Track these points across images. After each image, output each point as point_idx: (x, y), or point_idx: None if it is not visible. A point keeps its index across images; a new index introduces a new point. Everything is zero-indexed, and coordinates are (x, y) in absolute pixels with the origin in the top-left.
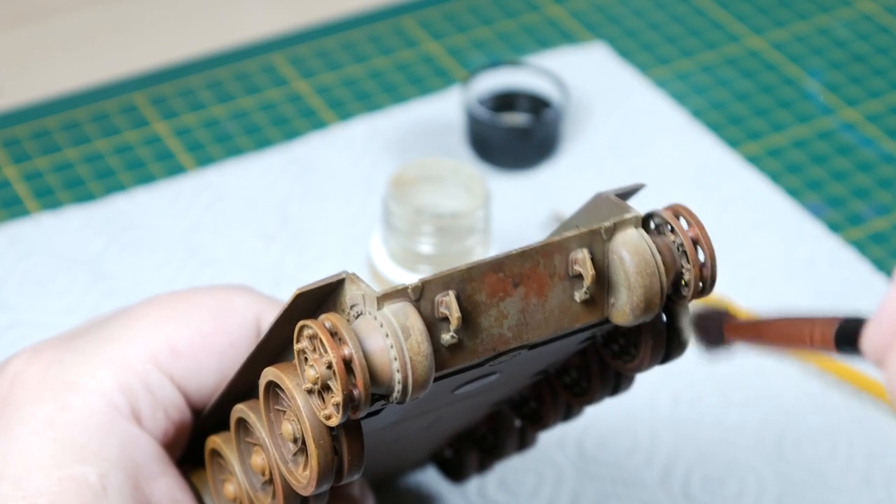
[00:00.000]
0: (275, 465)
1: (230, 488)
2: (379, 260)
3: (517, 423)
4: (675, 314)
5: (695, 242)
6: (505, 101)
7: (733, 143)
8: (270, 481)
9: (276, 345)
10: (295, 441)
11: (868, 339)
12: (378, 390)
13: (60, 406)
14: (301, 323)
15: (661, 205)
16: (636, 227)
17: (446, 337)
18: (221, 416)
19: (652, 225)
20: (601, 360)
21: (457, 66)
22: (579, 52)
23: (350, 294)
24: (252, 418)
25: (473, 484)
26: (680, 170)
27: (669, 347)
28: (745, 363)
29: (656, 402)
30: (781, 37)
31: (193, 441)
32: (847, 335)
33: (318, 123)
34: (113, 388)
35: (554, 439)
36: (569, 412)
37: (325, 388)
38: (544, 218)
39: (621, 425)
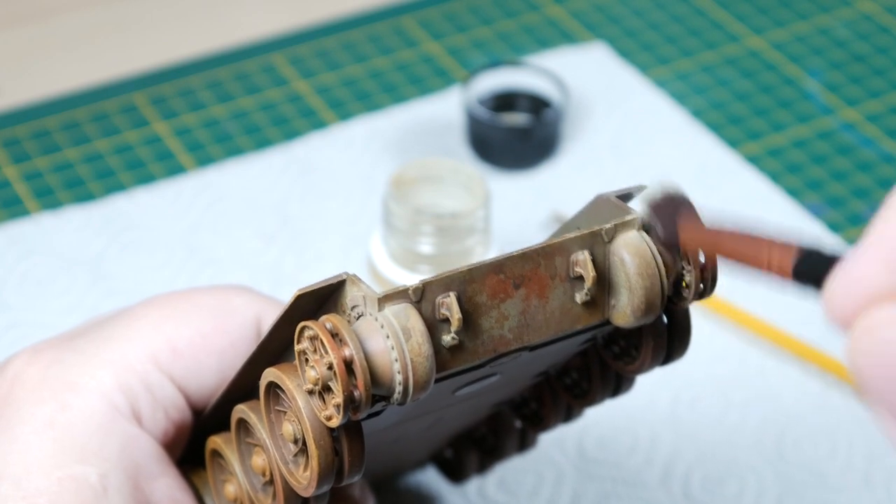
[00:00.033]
0: (275, 465)
1: (231, 489)
2: (379, 260)
3: (518, 424)
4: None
5: None
6: (505, 101)
7: (733, 143)
8: (271, 482)
9: (277, 345)
10: (295, 442)
11: (832, 296)
12: (379, 391)
13: (60, 406)
14: (302, 324)
15: None
16: (637, 228)
17: (447, 338)
18: (222, 416)
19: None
20: (602, 361)
21: (457, 66)
22: (579, 52)
23: (351, 295)
24: (253, 419)
25: (473, 484)
26: (680, 170)
27: (670, 349)
28: (745, 363)
29: (656, 403)
30: (781, 37)
31: (194, 441)
32: (808, 272)
33: (318, 123)
34: (113, 388)
35: (554, 440)
36: (569, 413)
37: (326, 389)
38: (544, 218)
39: (621, 425)
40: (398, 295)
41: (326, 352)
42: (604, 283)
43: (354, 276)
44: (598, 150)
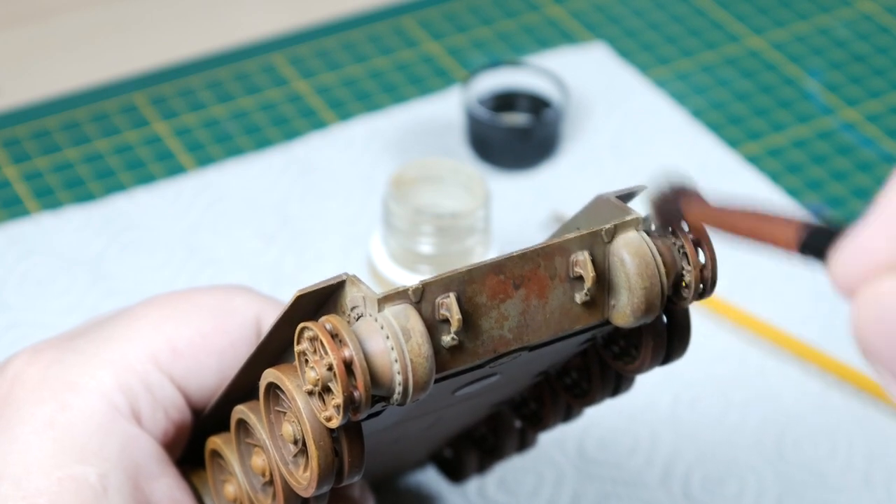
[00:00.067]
0: (275, 466)
1: (230, 489)
2: (379, 260)
3: (517, 423)
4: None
5: (696, 244)
6: (505, 101)
7: (733, 143)
8: (271, 482)
9: (277, 346)
10: (295, 442)
11: (837, 266)
12: (378, 392)
13: (60, 406)
14: (301, 325)
15: None
16: (637, 228)
17: (447, 339)
18: (222, 416)
19: (653, 227)
20: (602, 361)
21: (457, 66)
22: (579, 52)
23: (350, 296)
24: (252, 419)
25: (473, 484)
26: (680, 170)
27: (670, 349)
28: (745, 363)
29: (656, 403)
30: (781, 37)
31: (193, 441)
32: (813, 244)
33: (318, 123)
34: (113, 388)
35: (554, 440)
36: (569, 413)
37: (326, 389)
38: (544, 218)
39: (621, 425)
40: (398, 295)
41: (326, 352)
42: (603, 284)
43: (354, 276)
44: (598, 150)
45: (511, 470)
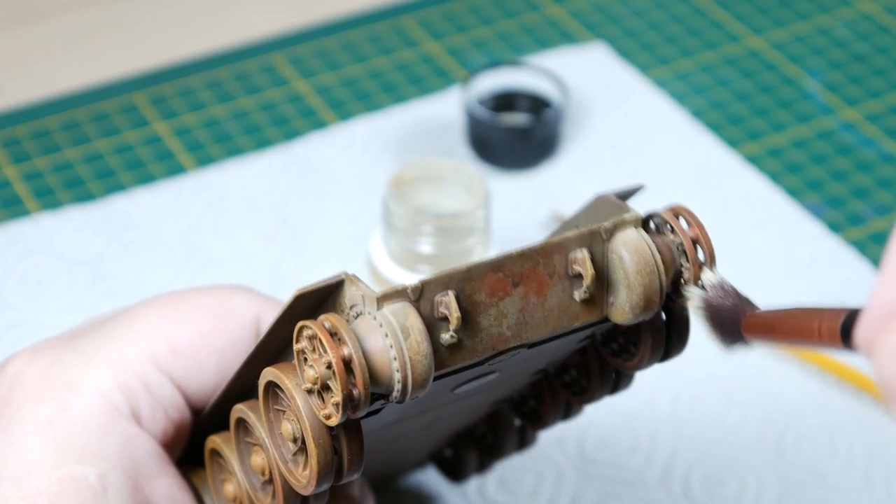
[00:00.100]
0: (274, 464)
1: (230, 488)
2: (379, 260)
3: (517, 421)
4: (677, 309)
5: (694, 242)
6: (505, 101)
7: (733, 143)
8: (270, 481)
9: (276, 345)
10: (295, 441)
11: (860, 330)
12: (378, 390)
13: (60, 406)
14: (301, 323)
15: (662, 205)
16: (636, 227)
17: (446, 336)
18: (221, 415)
19: (652, 225)
20: (601, 358)
21: (457, 66)
22: (579, 52)
23: (350, 295)
24: (252, 418)
25: (473, 484)
26: (680, 170)
27: (669, 345)
28: (745, 363)
29: (656, 402)
30: (781, 37)
31: (193, 441)
32: (849, 328)
33: (318, 123)
34: (113, 387)
35: (554, 439)
36: (568, 411)
37: (325, 387)
38: (544, 218)
39: (621, 425)
40: (397, 294)
41: (325, 351)
42: (602, 281)
43: (353, 275)
44: (598, 150)
45: (511, 469)
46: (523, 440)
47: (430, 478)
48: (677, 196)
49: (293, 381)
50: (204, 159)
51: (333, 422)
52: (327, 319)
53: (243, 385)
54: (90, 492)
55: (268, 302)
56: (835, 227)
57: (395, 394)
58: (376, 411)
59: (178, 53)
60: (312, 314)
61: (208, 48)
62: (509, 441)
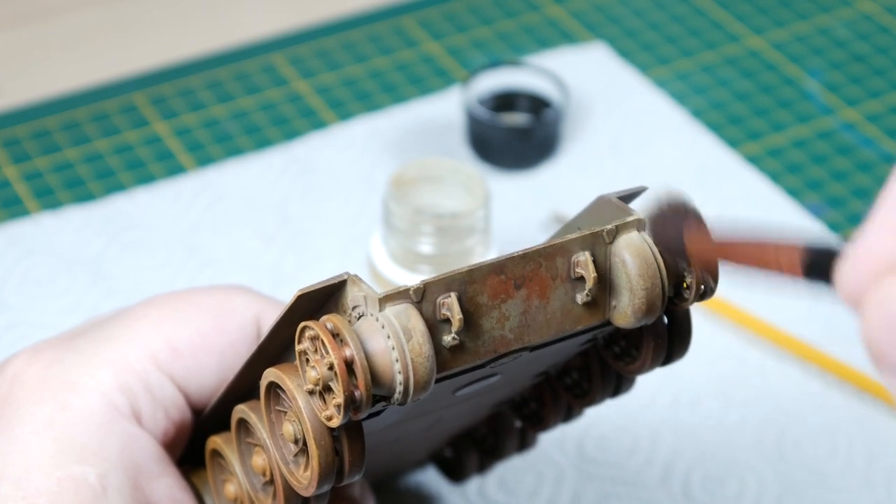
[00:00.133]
0: (276, 465)
1: (231, 489)
2: (379, 260)
3: (518, 423)
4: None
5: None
6: (505, 101)
7: (733, 143)
8: (271, 482)
9: (278, 346)
10: (296, 442)
11: (843, 277)
12: (379, 391)
13: (60, 406)
14: (302, 324)
15: None
16: (638, 229)
17: (448, 338)
18: (222, 416)
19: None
20: (602, 361)
21: (457, 66)
22: (579, 52)
23: (352, 295)
24: (253, 419)
25: (473, 484)
26: (680, 170)
27: (671, 350)
28: (745, 363)
29: (656, 403)
30: (781, 37)
31: (194, 441)
32: (818, 266)
33: (318, 123)
34: (113, 387)
35: (554, 439)
36: (569, 413)
37: (327, 389)
38: (544, 218)
39: (621, 425)
40: (399, 295)
41: (327, 352)
42: (605, 284)
43: (355, 276)
44: (598, 150)
45: (511, 470)
46: (524, 442)
47: (431, 478)
48: None
49: (295, 381)
50: (204, 159)
51: (335, 423)
52: (329, 320)
53: (244, 385)
54: (90, 492)
55: (268, 302)
56: (835, 227)
57: (396, 396)
58: (378, 413)
59: (178, 53)
60: (314, 314)
61: (208, 48)
62: (510, 443)
